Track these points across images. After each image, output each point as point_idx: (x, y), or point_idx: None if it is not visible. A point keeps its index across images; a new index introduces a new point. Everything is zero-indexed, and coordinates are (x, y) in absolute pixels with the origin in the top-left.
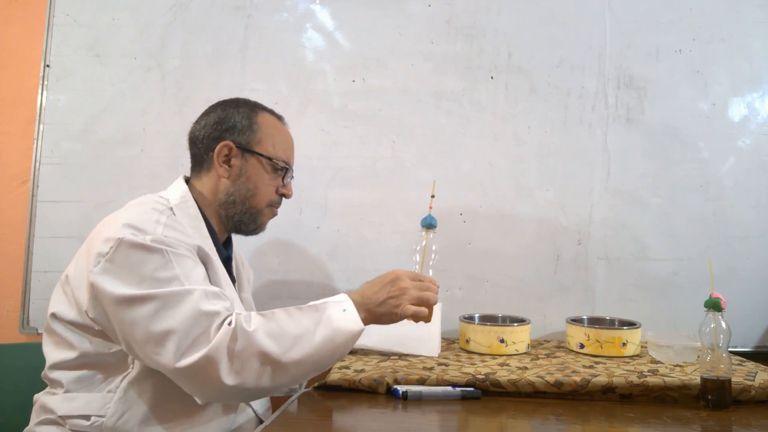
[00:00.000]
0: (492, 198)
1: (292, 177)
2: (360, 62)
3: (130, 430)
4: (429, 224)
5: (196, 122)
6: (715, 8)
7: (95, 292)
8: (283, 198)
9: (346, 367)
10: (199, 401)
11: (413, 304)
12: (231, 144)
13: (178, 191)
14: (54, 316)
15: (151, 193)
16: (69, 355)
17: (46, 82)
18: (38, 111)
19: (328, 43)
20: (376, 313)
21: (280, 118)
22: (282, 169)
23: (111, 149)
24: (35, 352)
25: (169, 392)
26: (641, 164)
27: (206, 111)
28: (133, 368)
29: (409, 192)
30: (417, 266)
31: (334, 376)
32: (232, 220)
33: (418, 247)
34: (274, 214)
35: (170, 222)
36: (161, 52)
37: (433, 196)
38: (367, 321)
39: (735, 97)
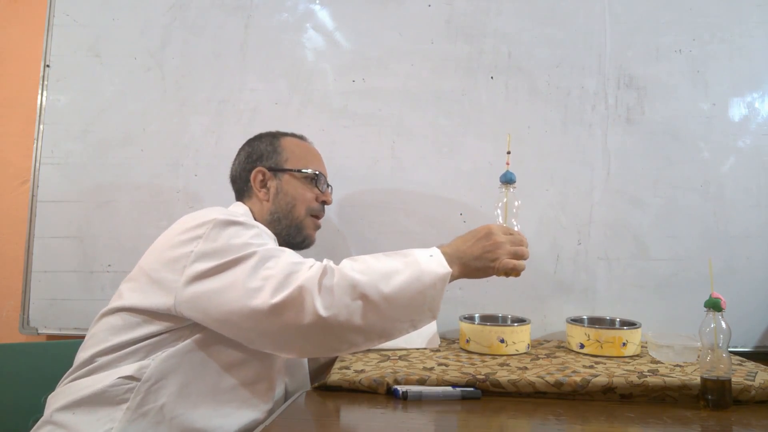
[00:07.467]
0: (492, 198)
1: (329, 185)
2: (360, 62)
3: (158, 400)
4: (508, 179)
5: (232, 164)
6: (715, 8)
7: (194, 272)
8: (325, 205)
9: (346, 368)
10: (290, 353)
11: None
12: (263, 169)
13: (239, 209)
14: (116, 309)
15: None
16: (126, 337)
17: (46, 82)
18: (38, 111)
19: (328, 43)
20: (472, 266)
21: (301, 137)
22: (314, 178)
23: (111, 149)
24: (35, 352)
25: (202, 371)
26: (641, 164)
27: (237, 152)
28: (177, 344)
29: (409, 192)
30: (500, 222)
31: (334, 376)
32: (280, 236)
33: (500, 204)
34: (318, 226)
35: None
36: (161, 52)
37: (509, 152)
38: (460, 275)
39: (735, 97)
